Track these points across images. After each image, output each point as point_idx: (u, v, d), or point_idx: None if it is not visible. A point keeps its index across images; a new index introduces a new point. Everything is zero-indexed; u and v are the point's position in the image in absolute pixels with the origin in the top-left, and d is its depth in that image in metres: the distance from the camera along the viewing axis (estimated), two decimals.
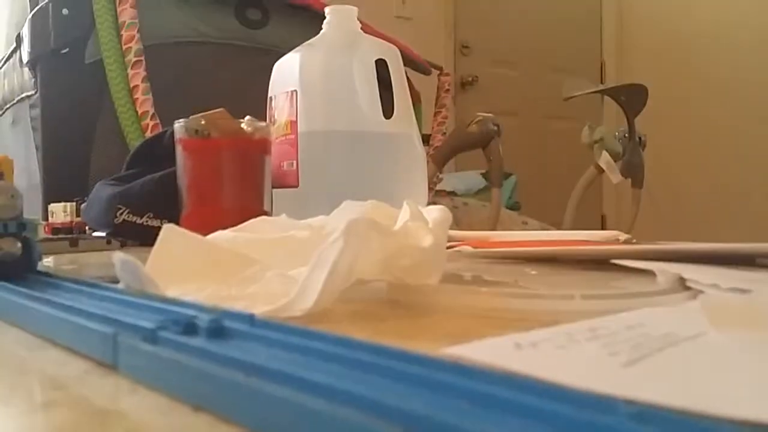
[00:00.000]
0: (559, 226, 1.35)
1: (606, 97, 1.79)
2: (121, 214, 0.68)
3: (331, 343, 0.18)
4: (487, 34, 2.42)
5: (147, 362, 0.18)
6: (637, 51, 2.67)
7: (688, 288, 0.29)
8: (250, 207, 0.59)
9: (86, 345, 0.21)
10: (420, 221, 0.30)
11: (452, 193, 1.43)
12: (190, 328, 0.20)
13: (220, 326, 0.20)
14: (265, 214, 0.60)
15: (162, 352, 0.18)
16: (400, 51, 0.72)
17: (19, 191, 0.33)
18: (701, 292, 0.28)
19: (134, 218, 0.68)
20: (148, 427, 0.15)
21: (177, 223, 0.55)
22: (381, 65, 0.68)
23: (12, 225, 0.33)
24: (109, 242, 0.68)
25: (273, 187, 0.63)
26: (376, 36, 0.73)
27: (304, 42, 0.71)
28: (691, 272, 0.31)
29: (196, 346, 0.18)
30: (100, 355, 0.20)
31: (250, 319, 0.21)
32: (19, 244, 0.32)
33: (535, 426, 0.12)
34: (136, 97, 1.09)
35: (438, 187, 1.31)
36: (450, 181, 1.49)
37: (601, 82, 2.50)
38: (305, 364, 0.16)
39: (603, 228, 2.21)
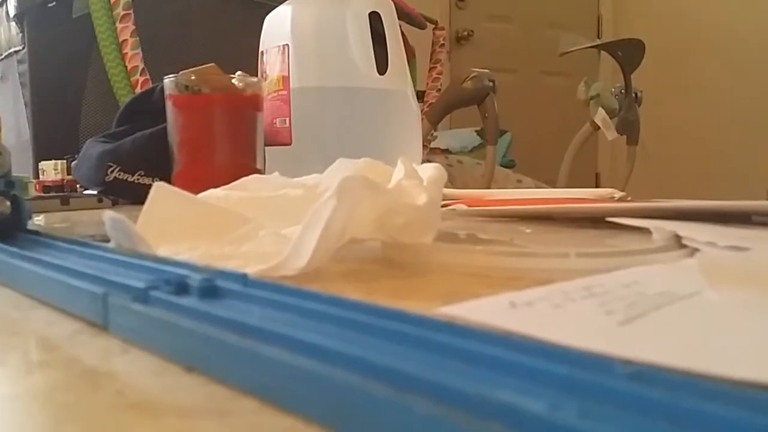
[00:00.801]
0: (553, 184, 1.35)
1: (603, 53, 1.77)
2: (112, 171, 0.67)
3: (325, 303, 0.18)
4: None
5: (138, 322, 0.18)
6: (634, 5, 2.62)
7: (684, 246, 0.29)
8: (243, 165, 0.58)
9: (77, 305, 0.21)
10: (414, 179, 0.29)
11: (446, 151, 1.42)
12: (181, 287, 0.19)
13: (213, 286, 0.20)
14: (258, 172, 0.59)
15: (153, 312, 0.18)
16: (394, 4, 0.70)
17: (7, 148, 0.32)
18: (697, 250, 0.28)
19: (125, 176, 0.67)
20: (139, 388, 0.15)
21: (168, 181, 0.54)
22: (375, 18, 0.67)
23: (0, 183, 0.32)
24: (100, 200, 0.68)
25: (266, 145, 0.62)
26: None
27: None
28: (687, 230, 0.30)
29: (188, 306, 0.18)
30: (91, 315, 0.20)
31: (243, 278, 0.20)
32: (8, 203, 0.32)
33: (532, 386, 0.12)
34: (125, 52, 1.06)
35: (432, 144, 1.30)
36: (444, 138, 1.47)
37: (598, 37, 2.46)
38: (299, 325, 0.16)
39: (597, 186, 2.21)
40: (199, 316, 0.17)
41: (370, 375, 0.12)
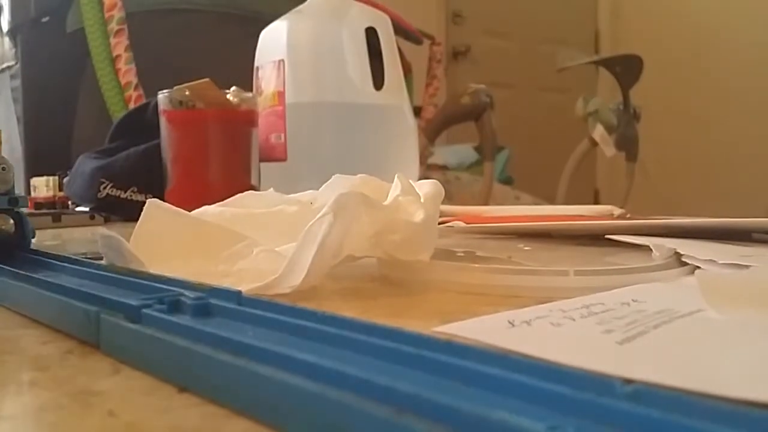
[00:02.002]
0: (551, 201, 1.35)
1: (601, 69, 1.78)
2: (105, 188, 0.67)
3: (320, 322, 0.18)
4: (479, 2, 2.38)
5: (130, 341, 0.18)
6: (632, 21, 2.64)
7: (684, 263, 0.29)
8: (237, 181, 0.58)
9: (69, 324, 0.20)
10: (411, 195, 0.29)
11: (444, 167, 1.42)
12: (175, 305, 0.19)
13: (206, 304, 0.19)
14: (253, 188, 0.59)
15: (145, 331, 0.17)
16: (391, 19, 0.70)
17: (11, 163, 0.31)
18: (697, 267, 0.28)
19: (118, 192, 0.67)
20: (131, 408, 0.14)
21: (162, 197, 0.54)
22: (371, 34, 0.67)
23: (3, 200, 0.30)
24: (92, 217, 0.67)
25: (260, 161, 0.62)
26: (365, 3, 0.72)
27: (291, 9, 0.70)
28: (687, 247, 0.30)
29: (182, 324, 0.17)
30: (83, 333, 0.19)
31: (237, 296, 0.20)
32: (12, 221, 0.30)
33: (532, 406, 0.12)
34: (118, 67, 1.06)
35: (429, 160, 1.30)
36: (441, 154, 1.48)
37: (596, 53, 2.48)
38: (293, 343, 0.16)
39: (596, 202, 2.22)
40: (192, 335, 0.16)
41: (366, 394, 0.12)
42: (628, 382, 0.12)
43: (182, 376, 0.16)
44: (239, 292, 0.20)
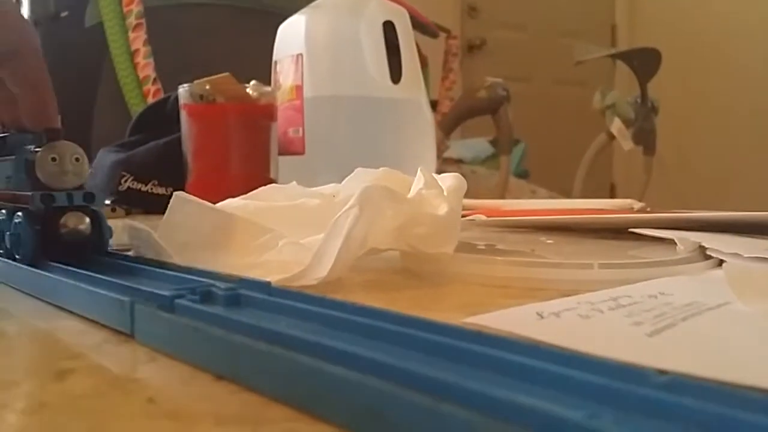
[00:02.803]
0: (567, 195, 1.34)
1: (618, 62, 1.76)
2: (126, 181, 0.68)
3: (350, 312, 0.18)
4: None
5: (165, 330, 0.18)
6: (649, 14, 2.61)
7: (709, 257, 0.29)
8: (257, 174, 0.59)
9: (103, 314, 0.20)
10: (435, 189, 0.29)
11: (459, 161, 1.42)
12: (207, 296, 0.19)
13: (237, 294, 0.20)
14: (272, 181, 0.59)
15: (179, 320, 0.18)
16: (407, 13, 0.70)
17: (84, 153, 0.27)
18: (722, 261, 0.28)
19: (139, 185, 0.67)
20: (171, 396, 0.15)
21: (182, 190, 0.54)
22: (388, 28, 0.67)
23: (78, 196, 0.26)
24: (113, 210, 0.68)
25: (279, 154, 0.63)
26: None
27: (309, 3, 0.70)
28: (711, 241, 0.30)
29: (215, 313, 0.18)
30: (117, 323, 0.19)
31: (267, 287, 0.20)
32: (88, 220, 0.26)
33: (568, 396, 0.12)
34: (137, 61, 1.07)
35: (445, 154, 1.30)
36: (457, 148, 1.47)
37: (613, 46, 2.45)
38: (326, 333, 0.16)
39: (612, 197, 2.20)
40: (226, 324, 0.17)
41: (406, 383, 0.12)
42: (662, 372, 0.12)
43: (219, 365, 0.16)
44: (269, 283, 0.21)
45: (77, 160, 0.27)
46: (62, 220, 0.26)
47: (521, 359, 0.13)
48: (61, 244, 0.26)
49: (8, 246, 0.28)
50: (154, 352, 0.18)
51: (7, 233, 0.28)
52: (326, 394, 0.13)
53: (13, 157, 0.29)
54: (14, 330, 0.21)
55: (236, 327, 0.17)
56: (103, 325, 0.20)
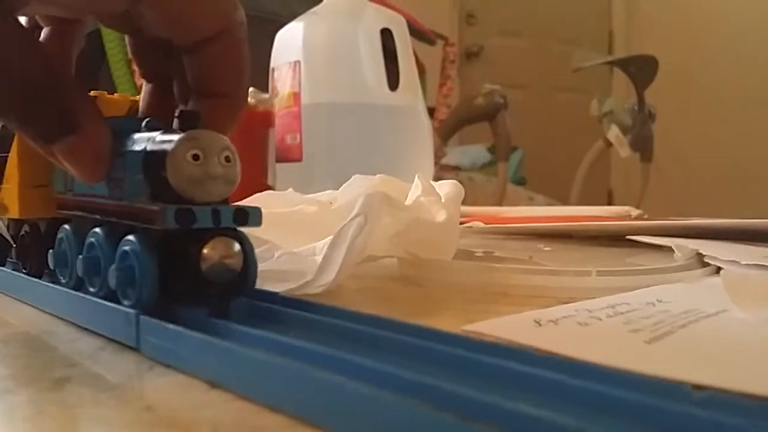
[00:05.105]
0: (565, 202, 1.34)
1: (615, 69, 1.77)
2: None
3: (347, 319, 0.18)
4: (492, 3, 2.37)
5: (171, 342, 0.17)
6: (647, 21, 2.62)
7: (707, 264, 0.29)
8: (254, 181, 0.58)
9: (108, 325, 0.19)
10: (433, 196, 0.29)
11: (456, 168, 1.42)
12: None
13: (250, 305, 0.19)
14: (269, 188, 0.59)
15: (185, 332, 0.17)
16: (405, 20, 0.70)
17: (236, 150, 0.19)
18: (720, 268, 0.28)
19: None
20: (168, 404, 0.14)
21: None
22: (386, 35, 0.67)
23: (227, 213, 0.18)
24: None
25: (276, 161, 0.63)
26: (380, 4, 0.72)
27: (307, 10, 0.70)
28: (708, 248, 0.30)
29: (227, 326, 0.17)
30: (122, 335, 0.19)
31: (275, 297, 0.20)
32: (238, 248, 0.19)
33: (604, 416, 0.12)
34: (134, 68, 1.07)
35: (442, 161, 1.30)
36: (454, 155, 1.47)
37: (610, 53, 2.46)
38: (334, 344, 0.16)
39: (609, 203, 2.20)
40: (239, 337, 0.16)
41: (426, 399, 0.11)
42: (697, 388, 0.12)
43: (232, 380, 0.15)
44: (277, 293, 0.20)
45: (227, 160, 0.19)
46: (206, 250, 0.18)
47: (545, 373, 0.13)
48: (195, 284, 0.18)
49: (111, 286, 0.19)
50: (151, 360, 0.18)
51: (112, 267, 0.19)
52: (341, 408, 0.12)
53: (122, 150, 0.20)
54: (10, 337, 0.21)
55: (250, 340, 0.16)
56: (97, 333, 0.20)
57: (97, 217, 0.21)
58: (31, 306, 0.24)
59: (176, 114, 0.19)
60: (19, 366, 0.19)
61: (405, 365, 0.14)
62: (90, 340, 0.20)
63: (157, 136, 0.19)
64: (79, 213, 0.22)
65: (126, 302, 0.19)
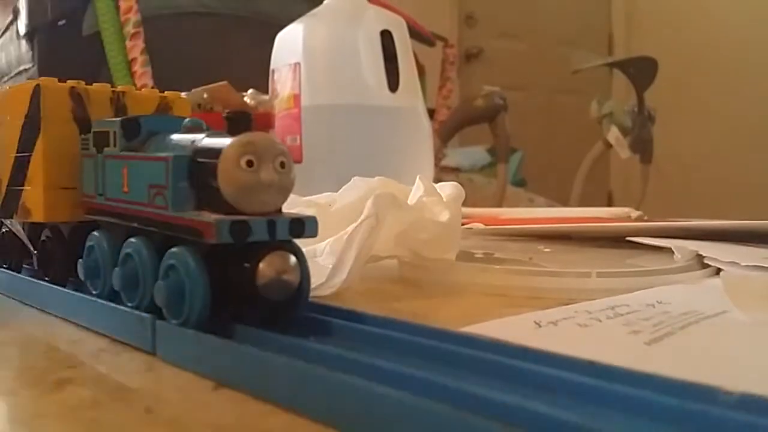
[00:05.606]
0: (565, 203, 1.34)
1: (615, 71, 1.77)
2: None
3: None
4: (492, 4, 2.38)
5: (190, 347, 0.17)
6: (646, 23, 2.63)
7: (707, 265, 0.29)
8: None
9: (125, 331, 0.19)
10: (435, 196, 0.29)
11: (456, 169, 1.42)
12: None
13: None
14: None
15: (205, 336, 0.16)
16: (405, 22, 0.70)
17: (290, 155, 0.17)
18: (720, 269, 0.28)
19: None
20: (169, 404, 0.14)
21: None
22: (386, 37, 0.67)
23: (283, 224, 0.17)
24: None
25: None
26: (379, 6, 0.72)
27: (307, 12, 0.70)
28: (708, 249, 0.30)
29: (247, 331, 0.17)
30: (139, 341, 0.18)
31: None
32: (295, 261, 0.17)
33: (635, 419, 0.12)
34: (134, 69, 1.07)
35: (442, 162, 1.30)
36: (454, 156, 1.47)
37: (609, 55, 2.46)
38: (357, 349, 0.16)
39: (609, 205, 2.20)
40: (259, 342, 0.16)
41: (461, 405, 0.11)
42: (728, 392, 0.12)
43: (253, 385, 0.14)
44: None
45: (282, 166, 0.17)
46: (262, 265, 0.16)
47: (578, 378, 0.13)
48: (249, 301, 0.17)
49: (157, 302, 0.18)
50: (152, 361, 0.18)
51: (159, 283, 0.18)
52: (372, 416, 0.12)
53: (164, 154, 0.18)
54: (11, 339, 0.21)
55: (269, 343, 0.15)
56: (99, 333, 0.20)
57: (135, 225, 0.19)
58: (32, 306, 0.24)
59: (224, 114, 0.17)
60: (21, 367, 0.19)
61: (453, 375, 0.13)
62: (92, 341, 0.20)
63: (203, 138, 0.17)
64: (113, 220, 0.20)
65: (174, 321, 0.17)
